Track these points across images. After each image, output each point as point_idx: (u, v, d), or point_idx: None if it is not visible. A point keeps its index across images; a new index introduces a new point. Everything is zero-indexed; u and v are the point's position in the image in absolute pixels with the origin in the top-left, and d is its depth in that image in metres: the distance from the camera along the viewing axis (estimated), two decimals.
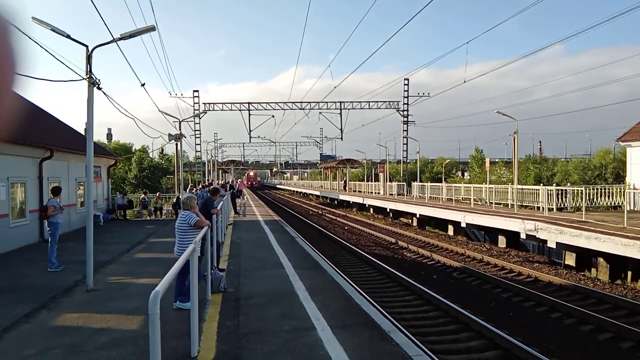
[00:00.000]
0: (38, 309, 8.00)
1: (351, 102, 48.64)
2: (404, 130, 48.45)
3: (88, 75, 9.43)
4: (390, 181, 46.45)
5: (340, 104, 48.34)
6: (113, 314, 7.64)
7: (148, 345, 3.70)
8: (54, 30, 9.52)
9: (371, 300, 10.25)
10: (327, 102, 48.29)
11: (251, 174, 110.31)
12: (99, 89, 9.86)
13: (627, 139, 24.39)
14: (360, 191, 51.46)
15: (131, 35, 10.13)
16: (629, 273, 14.83)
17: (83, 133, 24.76)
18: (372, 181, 55.33)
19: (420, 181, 44.78)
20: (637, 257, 12.89)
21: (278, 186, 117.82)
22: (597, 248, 14.27)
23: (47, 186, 17.31)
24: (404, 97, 47.76)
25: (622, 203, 22.30)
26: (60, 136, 21.72)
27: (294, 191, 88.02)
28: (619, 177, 42.44)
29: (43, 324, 7.23)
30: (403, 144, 49.29)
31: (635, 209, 22.29)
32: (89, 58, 9.47)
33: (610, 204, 23.41)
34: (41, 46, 9.45)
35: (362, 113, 66.64)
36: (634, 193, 23.00)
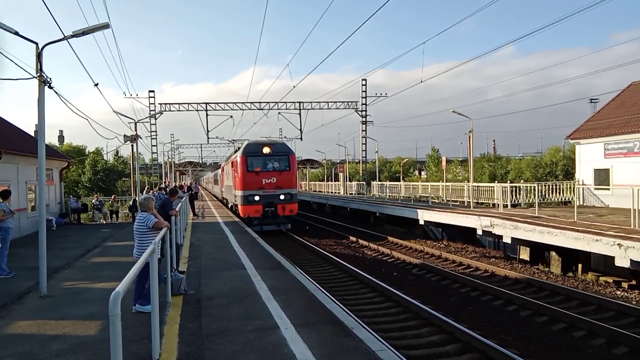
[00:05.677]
0: None
1: (310, 102, 48.63)
2: (362, 130, 48.87)
3: (39, 74, 9.08)
4: (350, 181, 46.75)
5: (299, 104, 48.29)
6: (69, 319, 7.38)
7: (107, 351, 3.57)
8: (0, 27, 9.11)
9: (333, 298, 10.29)
10: (286, 102, 48.11)
11: (238, 159, 25.41)
12: (50, 87, 9.50)
13: (576, 137, 25.39)
14: (321, 191, 51.55)
15: (84, 32, 9.79)
16: (580, 265, 15.47)
17: (33, 135, 23.85)
18: (332, 181, 55.53)
19: (379, 180, 45.32)
20: (587, 249, 13.45)
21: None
22: (550, 242, 14.80)
23: None
24: (362, 97, 48.19)
25: (572, 198, 23.19)
26: (9, 138, 20.82)
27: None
28: (569, 174, 44.23)
29: None
30: (362, 143, 49.70)
31: (585, 204, 23.24)
32: (39, 56, 9.11)
33: (561, 199, 24.31)
34: None
35: (321, 113, 66.70)
36: (582, 189, 23.97)
